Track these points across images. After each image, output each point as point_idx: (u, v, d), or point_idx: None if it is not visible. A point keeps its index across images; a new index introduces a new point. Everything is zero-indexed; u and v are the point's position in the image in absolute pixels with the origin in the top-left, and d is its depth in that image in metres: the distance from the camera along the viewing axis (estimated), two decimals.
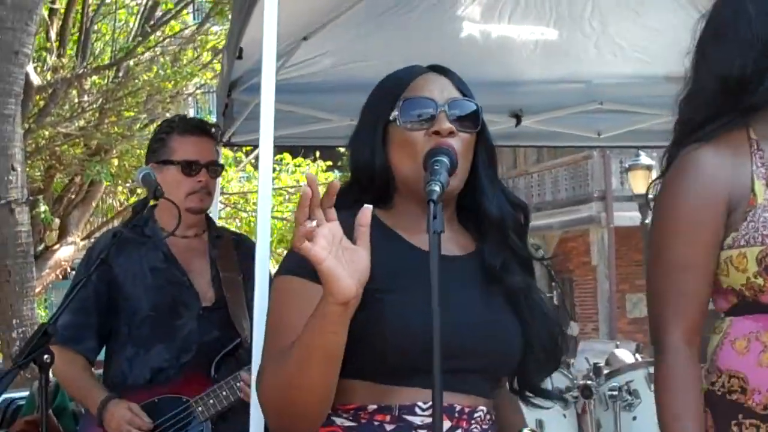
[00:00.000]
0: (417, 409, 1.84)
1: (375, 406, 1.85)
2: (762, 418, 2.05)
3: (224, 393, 3.22)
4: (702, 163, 2.08)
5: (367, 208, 1.68)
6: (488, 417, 1.94)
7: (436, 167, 1.80)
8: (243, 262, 3.41)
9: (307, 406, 1.77)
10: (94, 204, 12.29)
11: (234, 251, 3.46)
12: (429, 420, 1.74)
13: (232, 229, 4.38)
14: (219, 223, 4.28)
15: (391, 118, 1.93)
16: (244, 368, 3.14)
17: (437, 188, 1.73)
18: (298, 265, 1.80)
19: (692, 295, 2.10)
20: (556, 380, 4.95)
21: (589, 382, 4.96)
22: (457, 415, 1.87)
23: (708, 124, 2.11)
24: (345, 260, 1.67)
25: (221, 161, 3.68)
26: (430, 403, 1.71)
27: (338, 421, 1.87)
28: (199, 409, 3.23)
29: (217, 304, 3.34)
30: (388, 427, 1.84)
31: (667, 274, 2.11)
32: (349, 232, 1.72)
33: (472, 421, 1.89)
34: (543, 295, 2.01)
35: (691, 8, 4.05)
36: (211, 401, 3.22)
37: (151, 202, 3.17)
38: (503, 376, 2.02)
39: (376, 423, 1.84)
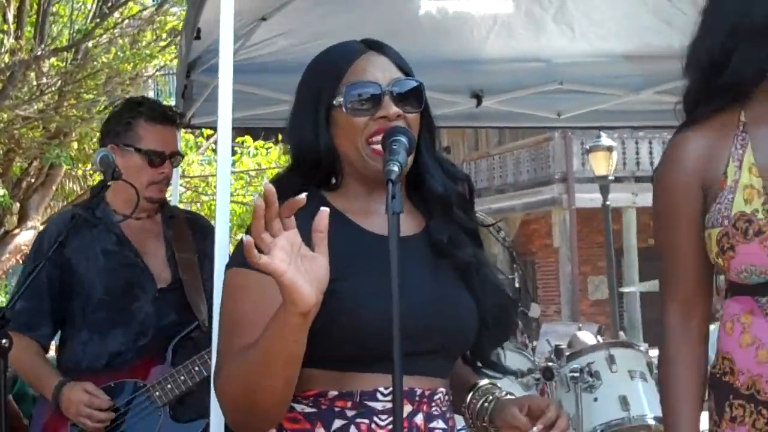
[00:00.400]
0: (378, 395, 1.84)
1: (336, 393, 1.85)
2: (747, 398, 2.09)
3: (182, 378, 3.20)
4: (682, 150, 2.14)
5: (324, 212, 1.65)
6: (446, 398, 1.95)
7: (394, 147, 1.79)
8: (198, 242, 3.40)
9: (266, 406, 1.76)
10: (54, 188, 12.16)
11: (189, 231, 3.43)
12: (390, 405, 1.73)
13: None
14: (180, 206, 4.24)
15: (334, 103, 1.92)
16: (206, 351, 3.12)
17: (396, 168, 1.72)
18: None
19: (681, 275, 2.18)
20: (518, 362, 4.97)
21: (550, 364, 4.98)
22: (417, 398, 1.87)
23: (703, 103, 2.15)
24: (304, 269, 1.64)
25: (182, 146, 3.64)
26: (390, 388, 1.71)
27: (298, 407, 1.87)
28: (157, 393, 3.21)
29: (173, 286, 3.31)
30: (349, 413, 1.84)
31: (661, 256, 2.21)
32: (303, 222, 1.70)
33: (432, 404, 1.90)
34: (493, 266, 2.01)
35: None
36: (169, 386, 3.20)
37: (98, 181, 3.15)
38: (461, 353, 2.01)
39: (336, 409, 1.85)
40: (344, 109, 1.90)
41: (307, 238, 1.67)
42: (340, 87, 1.92)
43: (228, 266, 1.88)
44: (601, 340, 6.29)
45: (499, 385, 2.07)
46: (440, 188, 1.97)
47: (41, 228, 3.54)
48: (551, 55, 5.00)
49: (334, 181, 2.00)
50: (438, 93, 5.04)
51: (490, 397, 2.01)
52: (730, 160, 2.10)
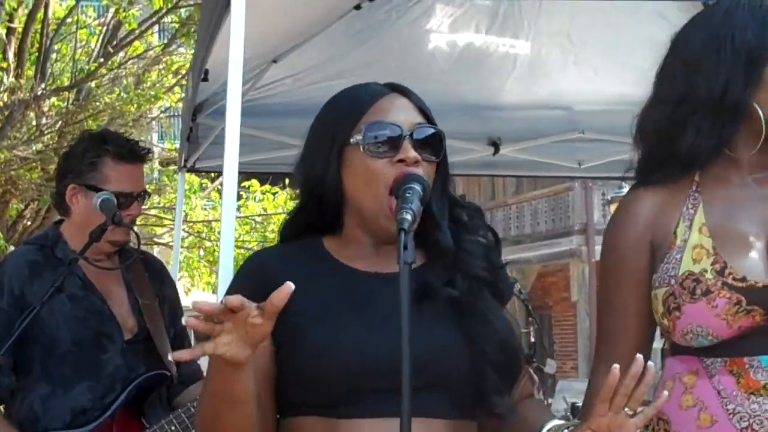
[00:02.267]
0: None
1: None
2: None
3: (173, 428, 3.01)
4: (633, 207, 2.15)
5: (287, 288, 1.60)
6: None
7: (407, 195, 1.76)
8: (156, 286, 3.21)
9: None
10: None
11: (145, 273, 3.21)
12: None
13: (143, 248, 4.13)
14: (181, 252, 4.06)
15: (351, 141, 1.86)
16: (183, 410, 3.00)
17: (409, 217, 1.68)
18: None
19: (617, 333, 2.13)
20: None
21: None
22: None
23: (660, 169, 2.12)
24: (244, 332, 1.63)
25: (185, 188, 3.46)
26: None
27: None
28: None
29: (140, 335, 3.10)
30: None
31: (599, 314, 2.19)
32: (293, 266, 1.80)
33: None
34: (497, 311, 1.92)
35: (674, 22, 3.96)
36: None
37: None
38: (461, 393, 1.87)
39: None
40: (362, 149, 1.84)
41: (295, 282, 1.64)
42: (359, 125, 1.86)
43: None
44: None
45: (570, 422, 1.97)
46: (446, 241, 1.90)
47: None
48: (572, 101, 4.96)
49: (322, 227, 1.95)
50: (454, 140, 4.92)
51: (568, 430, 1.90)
52: (680, 220, 2.09)
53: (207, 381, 1.76)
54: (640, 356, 1.72)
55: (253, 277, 1.86)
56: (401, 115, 1.88)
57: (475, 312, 1.88)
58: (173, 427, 3.00)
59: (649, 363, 1.74)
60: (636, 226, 2.13)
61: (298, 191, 1.96)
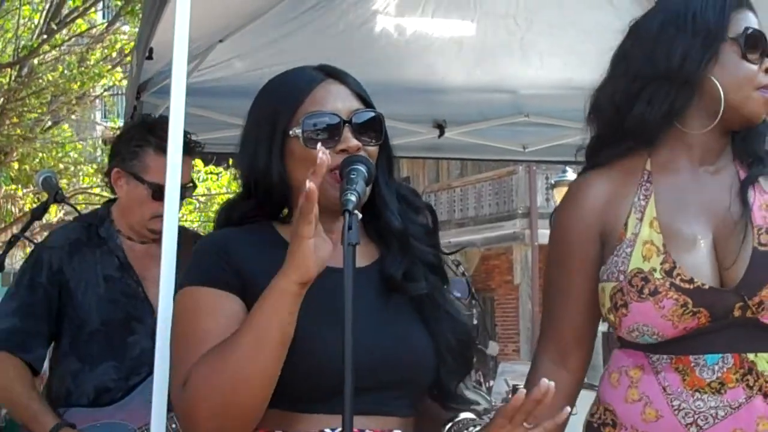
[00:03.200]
0: None
1: None
2: None
3: (174, 426, 2.92)
4: (583, 192, 2.16)
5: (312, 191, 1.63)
6: None
7: (352, 176, 1.76)
8: None
9: (254, 400, 1.70)
10: None
11: None
12: None
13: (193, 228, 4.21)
14: None
15: (291, 133, 1.85)
16: None
17: (353, 198, 1.68)
18: (205, 275, 1.80)
19: (561, 318, 2.16)
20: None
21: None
22: None
23: (611, 145, 2.15)
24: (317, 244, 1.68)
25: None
26: (338, 429, 1.67)
27: None
28: None
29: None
30: None
31: (545, 296, 2.23)
32: (254, 249, 1.81)
33: None
34: (452, 299, 1.95)
35: (622, 10, 3.94)
36: None
37: (54, 207, 2.98)
38: (421, 389, 1.90)
39: None
40: (301, 141, 1.84)
41: (260, 267, 1.75)
42: (296, 117, 1.86)
43: (182, 285, 1.84)
44: None
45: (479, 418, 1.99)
46: (396, 222, 1.92)
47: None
48: (517, 85, 4.92)
49: (285, 211, 1.95)
50: (399, 122, 4.94)
51: (473, 429, 1.91)
52: (631, 211, 2.10)
53: (247, 322, 1.70)
54: (544, 381, 1.70)
55: (218, 255, 1.84)
56: (338, 102, 1.87)
57: (436, 305, 1.89)
58: None
59: (550, 383, 1.72)
60: (584, 214, 2.14)
61: (242, 181, 1.95)
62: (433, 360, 1.86)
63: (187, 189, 3.18)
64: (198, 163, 13.37)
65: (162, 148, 3.04)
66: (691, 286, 1.99)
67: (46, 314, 3.08)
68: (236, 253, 1.83)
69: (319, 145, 1.72)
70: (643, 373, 2.05)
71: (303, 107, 1.86)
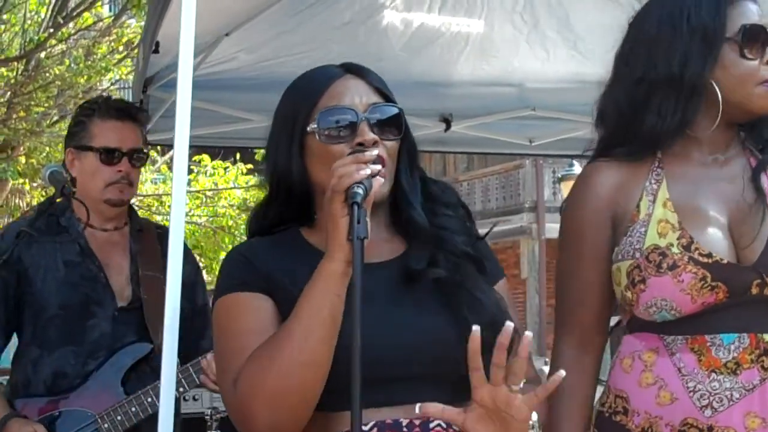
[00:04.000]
0: None
1: None
2: None
3: (134, 409, 3.04)
4: (594, 179, 2.17)
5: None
6: (453, 428, 1.81)
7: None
8: (166, 259, 3.21)
9: (309, 387, 1.70)
10: None
11: (158, 246, 3.27)
12: None
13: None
14: None
15: (308, 129, 1.85)
16: (203, 356, 3.00)
17: (360, 191, 1.67)
18: (237, 281, 1.83)
19: (578, 304, 2.18)
20: None
21: None
22: (406, 429, 1.77)
23: (620, 146, 2.16)
24: None
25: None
26: (371, 422, 1.72)
27: None
28: (105, 426, 3.03)
29: (133, 305, 3.15)
30: None
31: (559, 283, 2.24)
32: (280, 257, 1.82)
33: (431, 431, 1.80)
34: (483, 286, 1.92)
35: (627, 5, 3.97)
36: (119, 417, 3.03)
37: (36, 192, 3.00)
38: (455, 377, 1.85)
39: None
40: (318, 137, 1.84)
41: (285, 271, 1.80)
42: (314, 113, 1.86)
43: (218, 296, 1.87)
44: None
45: None
46: (418, 217, 1.91)
47: None
48: (524, 79, 4.91)
49: (295, 217, 1.96)
50: (406, 116, 4.84)
51: None
52: (643, 194, 2.11)
53: (302, 304, 1.70)
54: (509, 324, 1.69)
55: (246, 263, 1.86)
56: (356, 97, 1.87)
57: (461, 291, 1.87)
58: (149, 399, 3.03)
59: (526, 333, 1.72)
60: (596, 199, 2.15)
61: (266, 183, 1.95)
62: (458, 348, 1.81)
63: (134, 154, 3.19)
64: (205, 158, 13.43)
65: (105, 114, 3.17)
66: (710, 260, 1.99)
67: (2, 303, 3.08)
68: (262, 260, 1.85)
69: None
70: (658, 356, 2.04)
71: (321, 103, 1.86)
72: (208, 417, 4.45)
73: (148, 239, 3.29)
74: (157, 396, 2.96)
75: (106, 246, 3.19)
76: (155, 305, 3.12)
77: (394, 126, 1.88)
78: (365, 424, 1.73)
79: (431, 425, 1.79)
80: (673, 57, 2.07)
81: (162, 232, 3.39)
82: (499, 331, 1.81)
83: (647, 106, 2.09)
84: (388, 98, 1.91)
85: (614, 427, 2.09)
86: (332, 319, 1.69)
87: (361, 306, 1.59)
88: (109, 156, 3.14)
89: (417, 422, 1.78)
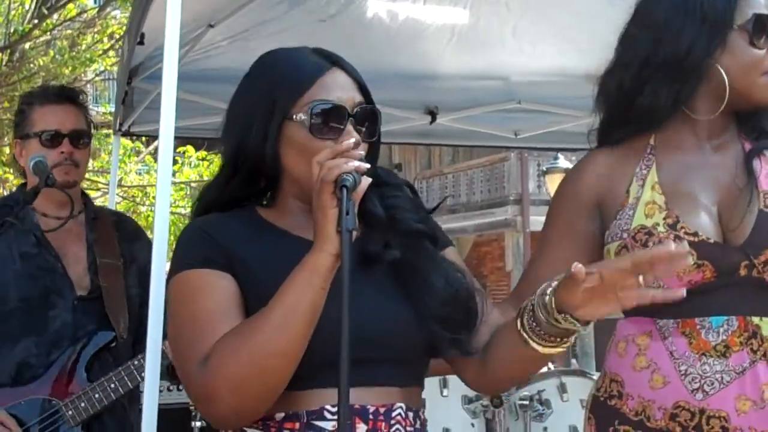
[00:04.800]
0: (326, 413, 1.77)
1: (282, 414, 1.77)
2: (635, 425, 2.07)
3: (97, 396, 3.06)
4: (584, 165, 2.21)
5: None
6: (411, 415, 1.84)
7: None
8: (124, 246, 3.26)
9: (280, 375, 1.69)
10: None
11: (114, 233, 3.28)
12: None
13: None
14: None
15: (295, 118, 1.83)
16: (124, 368, 3.02)
17: (350, 179, 1.67)
18: (196, 258, 1.80)
19: (533, 271, 2.21)
20: (466, 388, 4.81)
21: None
22: (371, 416, 1.78)
23: (618, 126, 2.18)
24: None
25: (120, 153, 3.49)
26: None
27: (248, 431, 1.80)
28: (69, 413, 3.06)
29: (93, 294, 3.16)
30: None
31: (532, 262, 2.29)
32: (235, 231, 1.82)
33: (392, 421, 1.81)
34: (441, 261, 1.91)
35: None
36: (83, 404, 3.06)
37: (16, 181, 3.00)
38: (414, 358, 1.89)
39: None
40: (308, 129, 1.82)
41: (246, 247, 1.79)
42: (301, 102, 1.84)
43: (175, 271, 1.83)
44: (552, 368, 6.16)
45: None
46: (379, 212, 1.90)
47: None
48: (510, 72, 4.92)
49: (269, 195, 1.95)
50: (391, 108, 4.94)
51: (549, 290, 1.73)
52: (633, 180, 2.14)
53: (283, 294, 1.68)
54: (671, 244, 1.62)
55: (205, 238, 1.83)
56: (344, 93, 1.85)
57: (416, 271, 1.87)
58: (112, 385, 3.05)
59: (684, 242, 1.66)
60: (581, 183, 2.19)
61: (228, 158, 1.91)
62: (417, 329, 1.84)
63: (76, 136, 3.19)
64: (189, 149, 13.40)
65: (44, 99, 3.21)
66: (696, 239, 2.00)
67: None
68: (222, 235, 1.83)
69: (353, 140, 1.73)
70: (651, 340, 2.07)
71: (309, 93, 1.84)
72: (192, 407, 4.45)
73: (104, 227, 3.29)
74: (120, 382, 3.04)
75: (62, 235, 3.16)
76: (114, 293, 3.16)
77: (374, 128, 1.89)
78: (333, 405, 1.73)
79: (393, 413, 1.81)
80: (681, 40, 2.09)
81: (117, 219, 3.41)
82: (459, 305, 1.86)
83: (647, 86, 2.11)
84: (368, 96, 1.90)
85: (609, 411, 2.11)
86: (313, 312, 1.68)
87: (348, 296, 1.58)
88: (49, 139, 3.15)
89: (381, 410, 1.79)
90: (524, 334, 1.75)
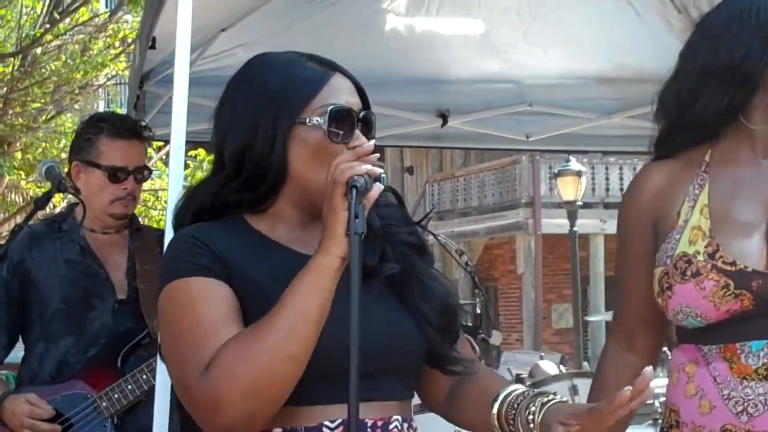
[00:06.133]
0: (324, 429, 1.74)
1: (280, 430, 1.74)
2: None
3: (129, 387, 3.13)
4: (641, 182, 2.23)
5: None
6: (407, 426, 1.83)
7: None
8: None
9: (288, 380, 1.66)
10: None
11: (157, 246, 3.30)
12: None
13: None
14: None
15: (308, 122, 1.81)
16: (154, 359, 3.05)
17: (362, 180, 1.65)
18: (191, 266, 1.76)
19: (623, 304, 2.28)
20: None
21: None
22: (369, 430, 1.77)
23: (676, 137, 2.18)
24: None
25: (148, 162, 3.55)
26: (338, 420, 1.71)
27: None
28: (104, 404, 3.14)
29: (131, 296, 3.26)
30: None
31: (615, 278, 2.32)
32: (227, 239, 1.78)
33: None
34: (430, 272, 1.92)
35: (623, 1, 4.05)
36: (116, 396, 3.14)
37: (59, 197, 3.02)
38: (413, 369, 1.88)
39: None
40: (325, 133, 1.80)
41: (240, 255, 1.76)
42: (311, 106, 1.81)
43: (168, 280, 1.78)
44: (563, 370, 6.17)
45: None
46: (372, 220, 1.83)
47: None
48: (521, 76, 4.92)
49: (253, 200, 1.89)
50: (403, 111, 4.95)
51: (544, 399, 1.79)
52: (685, 200, 2.13)
53: (289, 297, 1.66)
54: (648, 369, 1.65)
55: (198, 246, 1.79)
56: (351, 98, 1.85)
57: (412, 281, 1.87)
58: (144, 376, 3.13)
59: (646, 369, 1.66)
60: (641, 205, 2.20)
61: (224, 162, 1.86)
62: (418, 340, 1.85)
63: (139, 172, 3.29)
64: (201, 152, 13.42)
65: (114, 133, 3.26)
66: (733, 269, 2.00)
67: (5, 304, 3.19)
68: (214, 242, 1.79)
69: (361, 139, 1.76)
70: (698, 367, 2.07)
71: (319, 98, 1.82)
72: None
73: (147, 238, 3.38)
74: (151, 372, 3.09)
75: (106, 246, 3.30)
76: (150, 294, 3.19)
77: (373, 131, 1.88)
78: (332, 421, 1.73)
79: (390, 427, 1.80)
80: (737, 49, 2.08)
81: (161, 234, 3.42)
82: (451, 315, 1.88)
83: (703, 94, 2.11)
84: (366, 100, 1.90)
85: None
86: (320, 314, 1.66)
87: (359, 302, 1.57)
88: (115, 175, 3.22)
89: (380, 423, 1.78)
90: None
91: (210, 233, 1.82)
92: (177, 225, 1.91)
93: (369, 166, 1.68)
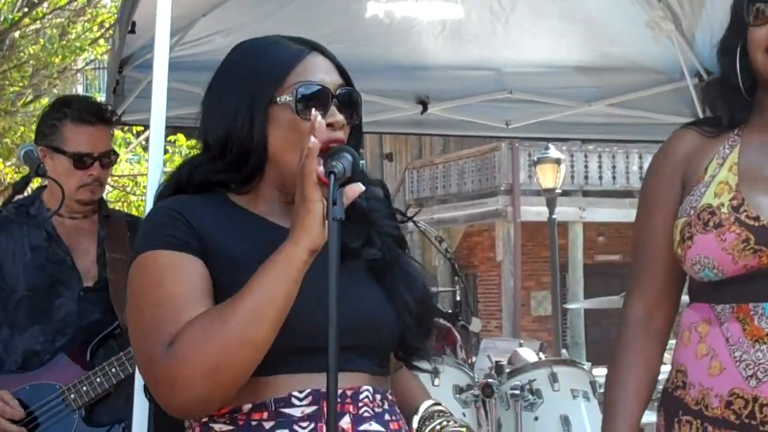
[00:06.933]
0: (293, 400, 1.75)
1: (249, 405, 1.75)
2: (695, 414, 2.05)
3: (98, 380, 3.11)
4: (673, 142, 2.21)
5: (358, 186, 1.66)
6: (379, 397, 1.84)
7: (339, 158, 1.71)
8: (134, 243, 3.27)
9: (248, 364, 1.67)
10: None
11: (126, 232, 3.32)
12: (309, 410, 1.72)
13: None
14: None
15: (279, 101, 1.81)
16: (124, 353, 3.06)
17: (339, 166, 1.65)
18: (164, 238, 1.76)
19: (651, 268, 2.19)
20: (457, 377, 4.83)
21: (490, 380, 4.84)
22: (339, 399, 1.74)
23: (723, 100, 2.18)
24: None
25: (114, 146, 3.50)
26: (307, 390, 1.72)
27: (216, 427, 1.77)
28: (72, 396, 3.11)
29: (99, 285, 3.22)
30: (267, 425, 1.74)
31: (635, 245, 2.25)
32: (207, 213, 1.78)
33: (360, 404, 1.81)
34: (410, 264, 1.95)
35: None
36: (84, 388, 3.11)
37: (36, 182, 2.97)
38: (386, 349, 1.91)
39: (254, 423, 1.74)
40: (293, 110, 1.81)
41: (219, 230, 1.76)
42: (285, 85, 1.82)
43: (141, 250, 1.78)
44: (542, 358, 6.18)
45: (445, 409, 2.02)
46: (362, 202, 1.87)
47: None
48: (501, 63, 4.94)
49: (237, 181, 1.90)
50: (382, 98, 4.94)
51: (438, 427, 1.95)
52: (714, 158, 2.12)
53: (256, 284, 1.66)
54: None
55: (175, 218, 1.79)
56: (326, 75, 1.85)
57: (396, 270, 1.89)
58: (113, 369, 3.10)
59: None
60: (672, 162, 2.18)
61: (214, 143, 1.87)
62: (393, 321, 1.87)
63: (106, 157, 3.25)
64: (180, 137, 13.38)
65: (78, 118, 3.21)
66: (756, 223, 1.99)
67: None
68: (194, 216, 1.79)
69: (313, 111, 1.72)
70: (710, 327, 2.05)
71: (292, 76, 1.83)
72: None
73: (117, 225, 3.35)
74: (121, 366, 3.09)
75: (74, 232, 3.27)
76: (120, 285, 3.10)
77: (356, 111, 1.88)
78: (301, 392, 1.74)
79: (361, 396, 1.81)
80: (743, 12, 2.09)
81: (132, 221, 3.45)
82: (428, 306, 1.92)
83: (737, 65, 2.12)
84: (348, 79, 1.90)
85: (674, 402, 2.10)
86: (285, 303, 1.66)
87: (336, 287, 1.58)
88: (81, 161, 3.18)
89: (349, 392, 1.79)
90: None
91: (191, 206, 1.82)
92: (157, 201, 1.91)
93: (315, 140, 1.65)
